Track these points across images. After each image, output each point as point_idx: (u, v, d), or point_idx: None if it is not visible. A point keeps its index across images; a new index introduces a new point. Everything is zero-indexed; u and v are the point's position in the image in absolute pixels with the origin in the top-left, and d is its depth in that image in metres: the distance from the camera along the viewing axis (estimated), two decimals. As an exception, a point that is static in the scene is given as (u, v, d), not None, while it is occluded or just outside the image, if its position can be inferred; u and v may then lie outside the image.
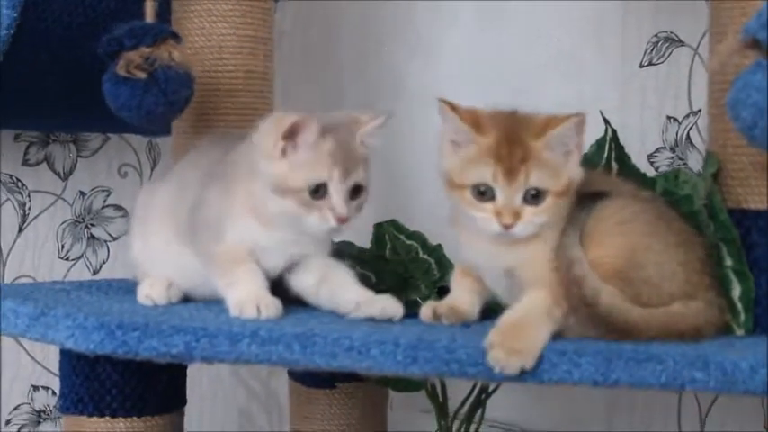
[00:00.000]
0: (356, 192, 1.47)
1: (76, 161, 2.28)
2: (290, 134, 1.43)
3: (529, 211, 1.36)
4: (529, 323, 1.30)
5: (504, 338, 1.27)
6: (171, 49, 1.63)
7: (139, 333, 1.36)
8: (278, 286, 1.52)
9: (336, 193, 1.44)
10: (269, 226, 1.47)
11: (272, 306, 1.43)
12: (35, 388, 2.28)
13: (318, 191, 1.43)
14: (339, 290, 1.49)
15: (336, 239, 1.55)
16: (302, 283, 1.53)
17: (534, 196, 1.36)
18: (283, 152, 1.44)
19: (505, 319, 1.32)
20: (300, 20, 2.26)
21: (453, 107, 1.39)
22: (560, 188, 1.37)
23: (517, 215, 1.35)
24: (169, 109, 1.63)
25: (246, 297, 1.44)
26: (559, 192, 1.37)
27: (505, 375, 1.26)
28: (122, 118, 1.63)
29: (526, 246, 1.39)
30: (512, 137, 1.37)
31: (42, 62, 1.85)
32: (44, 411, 2.28)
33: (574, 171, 1.39)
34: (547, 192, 1.36)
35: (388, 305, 1.46)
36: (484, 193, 1.37)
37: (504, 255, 1.40)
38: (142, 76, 1.59)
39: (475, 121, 1.39)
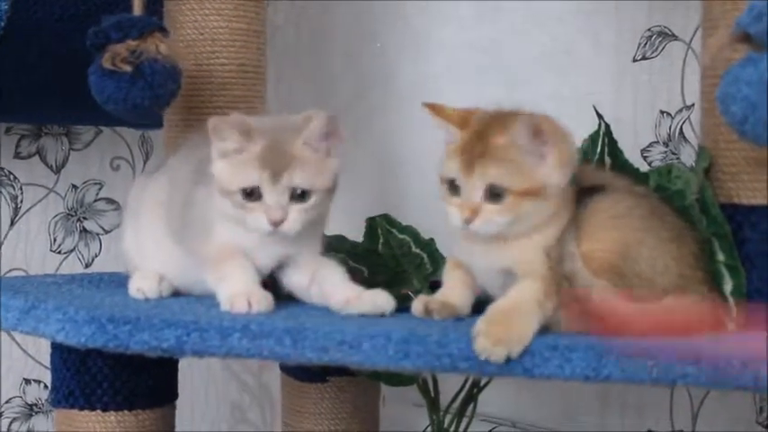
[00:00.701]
0: (303, 195, 1.44)
1: (69, 154, 2.28)
2: (217, 135, 1.44)
3: (488, 208, 1.35)
4: (517, 312, 1.30)
5: (490, 327, 1.27)
6: (158, 43, 1.62)
7: (130, 327, 1.36)
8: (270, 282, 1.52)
9: (269, 196, 1.43)
10: (240, 226, 1.47)
11: (263, 300, 1.43)
12: (27, 381, 2.27)
13: (252, 194, 1.43)
14: (329, 289, 1.49)
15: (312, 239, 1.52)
16: (293, 282, 1.52)
17: (496, 194, 1.35)
18: (222, 153, 1.45)
19: (494, 307, 1.32)
20: (293, 14, 2.26)
21: (437, 108, 1.41)
22: (524, 188, 1.34)
23: (474, 211, 1.35)
24: (155, 102, 1.63)
25: (237, 291, 1.43)
26: (522, 192, 1.34)
27: (492, 363, 1.26)
28: (109, 111, 1.63)
29: (521, 245, 1.38)
30: (480, 133, 1.37)
31: (33, 54, 1.85)
32: (36, 405, 2.28)
33: (548, 174, 1.36)
34: (506, 190, 1.34)
35: (379, 300, 1.46)
36: (455, 188, 1.38)
37: (499, 255, 1.40)
38: (128, 69, 1.59)
39: (462, 119, 1.40)
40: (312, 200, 1.45)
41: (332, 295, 1.48)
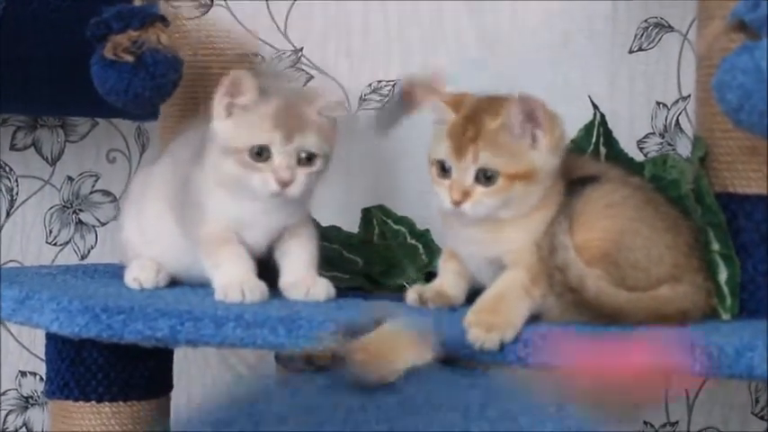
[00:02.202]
0: (309, 159, 1.46)
1: (64, 146, 2.27)
2: (231, 90, 1.45)
3: (480, 191, 1.36)
4: (505, 299, 1.31)
5: (480, 316, 1.28)
6: (159, 33, 1.63)
7: (124, 317, 1.36)
8: (266, 270, 1.52)
9: (278, 156, 1.44)
10: (237, 197, 1.47)
11: (256, 290, 1.43)
12: (23, 374, 2.27)
13: (261, 153, 1.44)
14: (283, 267, 1.51)
15: (288, 205, 1.51)
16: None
17: (487, 177, 1.36)
18: (228, 111, 1.46)
19: (482, 297, 1.33)
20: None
21: (432, 89, 1.44)
22: (514, 171, 1.35)
23: (466, 194, 1.35)
24: (157, 92, 1.63)
25: (231, 281, 1.44)
26: (513, 174, 1.35)
27: (486, 352, 1.26)
28: (110, 101, 1.64)
29: (511, 234, 1.39)
30: (472, 117, 1.38)
31: (29, 45, 1.84)
32: (32, 397, 2.27)
33: (541, 158, 1.37)
34: (498, 173, 1.35)
35: (313, 289, 1.48)
36: (445, 170, 1.38)
37: (488, 244, 1.40)
38: (130, 59, 1.60)
39: (455, 102, 1.41)
40: (318, 164, 1.47)
41: (282, 275, 1.51)
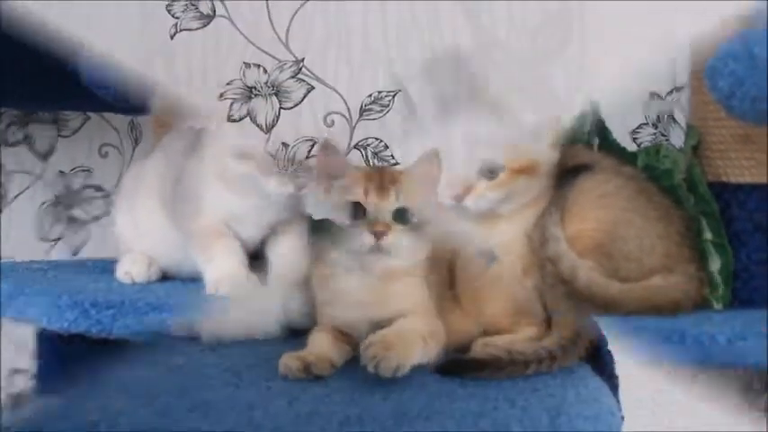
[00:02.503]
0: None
1: (57, 141, 2.26)
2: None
3: (482, 185, 1.36)
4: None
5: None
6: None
7: (114, 311, 1.35)
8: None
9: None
10: (236, 192, 1.47)
11: (248, 284, 1.43)
12: (17, 371, 2.26)
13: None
14: (274, 258, 1.51)
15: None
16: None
17: (490, 171, 1.35)
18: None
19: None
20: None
21: None
22: (518, 165, 1.36)
23: (467, 188, 1.35)
24: (149, 87, 1.63)
25: (222, 275, 1.43)
26: (518, 169, 1.36)
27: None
28: (101, 95, 1.63)
29: (503, 226, 1.38)
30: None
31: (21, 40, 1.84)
32: (23, 395, 2.27)
33: (545, 153, 1.38)
34: (501, 167, 1.35)
35: None
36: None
37: (481, 237, 1.40)
38: (123, 53, 1.60)
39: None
40: None
41: (273, 266, 1.50)
